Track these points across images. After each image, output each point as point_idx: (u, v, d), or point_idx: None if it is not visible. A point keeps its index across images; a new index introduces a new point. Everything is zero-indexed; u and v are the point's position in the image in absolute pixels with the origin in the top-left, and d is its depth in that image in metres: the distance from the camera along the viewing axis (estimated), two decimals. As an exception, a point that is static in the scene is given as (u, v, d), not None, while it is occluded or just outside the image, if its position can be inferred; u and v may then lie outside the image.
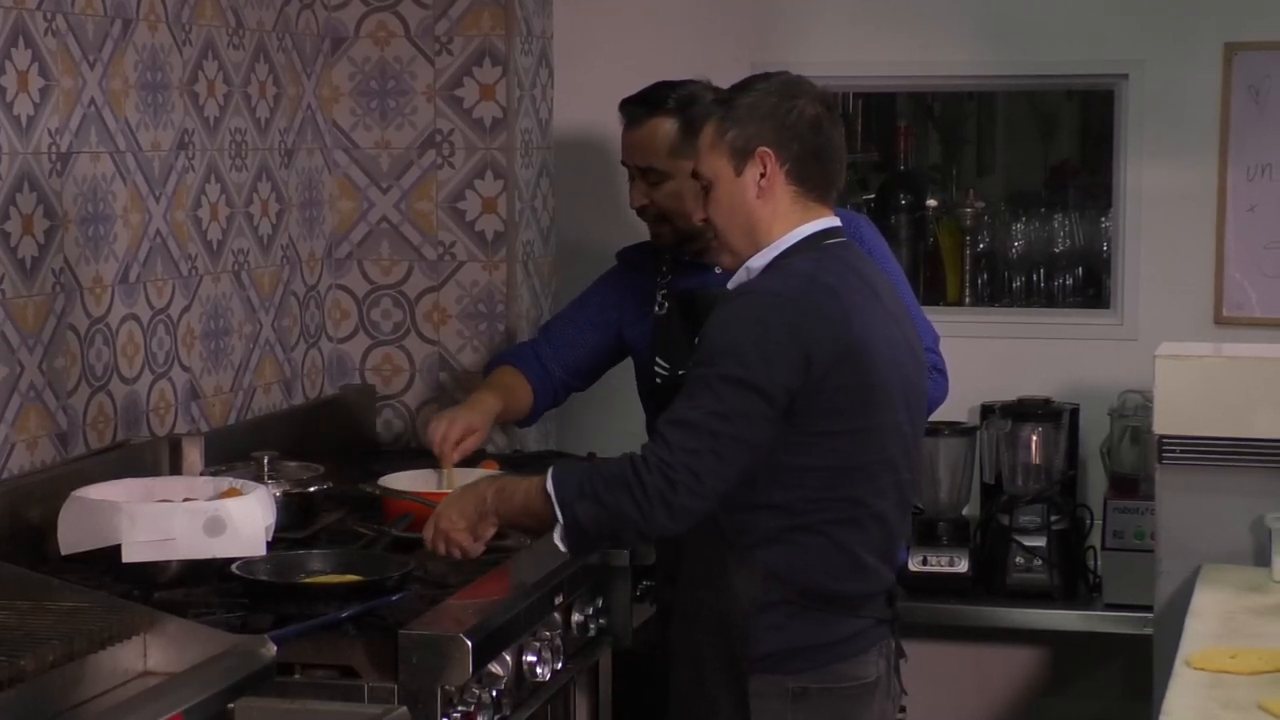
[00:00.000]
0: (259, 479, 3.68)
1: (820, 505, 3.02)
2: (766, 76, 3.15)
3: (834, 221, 3.13)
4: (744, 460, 2.97)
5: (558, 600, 3.45)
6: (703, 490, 2.95)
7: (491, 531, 3.21)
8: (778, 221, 3.08)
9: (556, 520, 3.02)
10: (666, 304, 3.89)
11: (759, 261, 3.08)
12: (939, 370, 3.80)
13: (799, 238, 3.07)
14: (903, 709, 4.21)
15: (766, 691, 3.06)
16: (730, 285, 3.14)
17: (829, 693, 3.07)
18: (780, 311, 2.98)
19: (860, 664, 3.11)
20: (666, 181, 3.78)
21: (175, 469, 3.84)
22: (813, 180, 3.09)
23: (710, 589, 3.08)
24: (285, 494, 3.70)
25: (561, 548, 3.06)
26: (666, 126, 3.79)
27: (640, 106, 3.83)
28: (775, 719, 3.06)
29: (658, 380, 3.89)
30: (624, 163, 3.90)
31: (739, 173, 3.07)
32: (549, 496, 3.02)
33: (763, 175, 3.06)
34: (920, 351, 3.24)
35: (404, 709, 2.94)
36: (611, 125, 3.94)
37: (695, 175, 3.16)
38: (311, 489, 3.79)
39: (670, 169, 3.77)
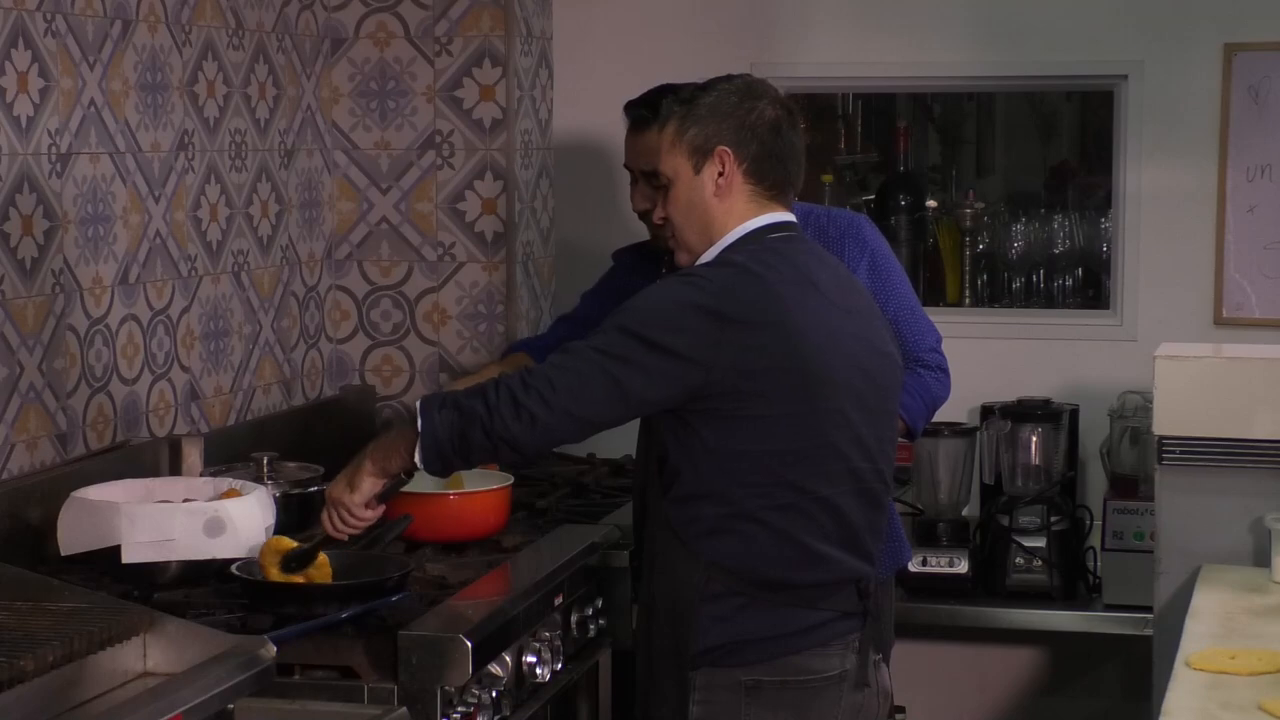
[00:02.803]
0: (258, 480, 3.69)
1: (756, 491, 3.01)
2: (729, 78, 3.18)
3: (783, 217, 3.14)
4: (608, 397, 2.98)
5: (557, 601, 3.45)
6: (553, 401, 2.97)
7: (369, 483, 3.14)
8: (732, 219, 3.11)
9: (417, 434, 3.03)
10: None
11: (707, 258, 3.11)
12: (942, 370, 3.81)
13: (743, 233, 3.10)
14: (902, 709, 4.22)
15: (717, 684, 3.04)
16: None
17: (784, 685, 3.04)
18: (698, 290, 3.01)
19: (820, 657, 3.06)
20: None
21: (175, 470, 3.84)
22: (770, 180, 3.12)
23: (661, 581, 3.09)
24: (285, 495, 3.70)
25: (419, 464, 3.06)
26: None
27: (645, 109, 3.83)
28: (728, 711, 3.04)
29: None
30: (627, 166, 3.90)
31: (697, 171, 3.10)
32: (415, 413, 3.04)
33: (721, 174, 3.09)
34: (885, 346, 3.19)
35: (404, 710, 2.95)
36: (611, 126, 3.95)
37: (655, 174, 3.18)
38: (311, 490, 3.79)
39: None
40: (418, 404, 3.05)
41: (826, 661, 3.07)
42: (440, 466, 3.08)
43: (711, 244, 3.11)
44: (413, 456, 3.05)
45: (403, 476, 3.16)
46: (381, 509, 3.20)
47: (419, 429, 3.02)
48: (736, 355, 2.96)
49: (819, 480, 3.04)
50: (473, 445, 3.01)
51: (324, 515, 3.21)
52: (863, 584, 3.12)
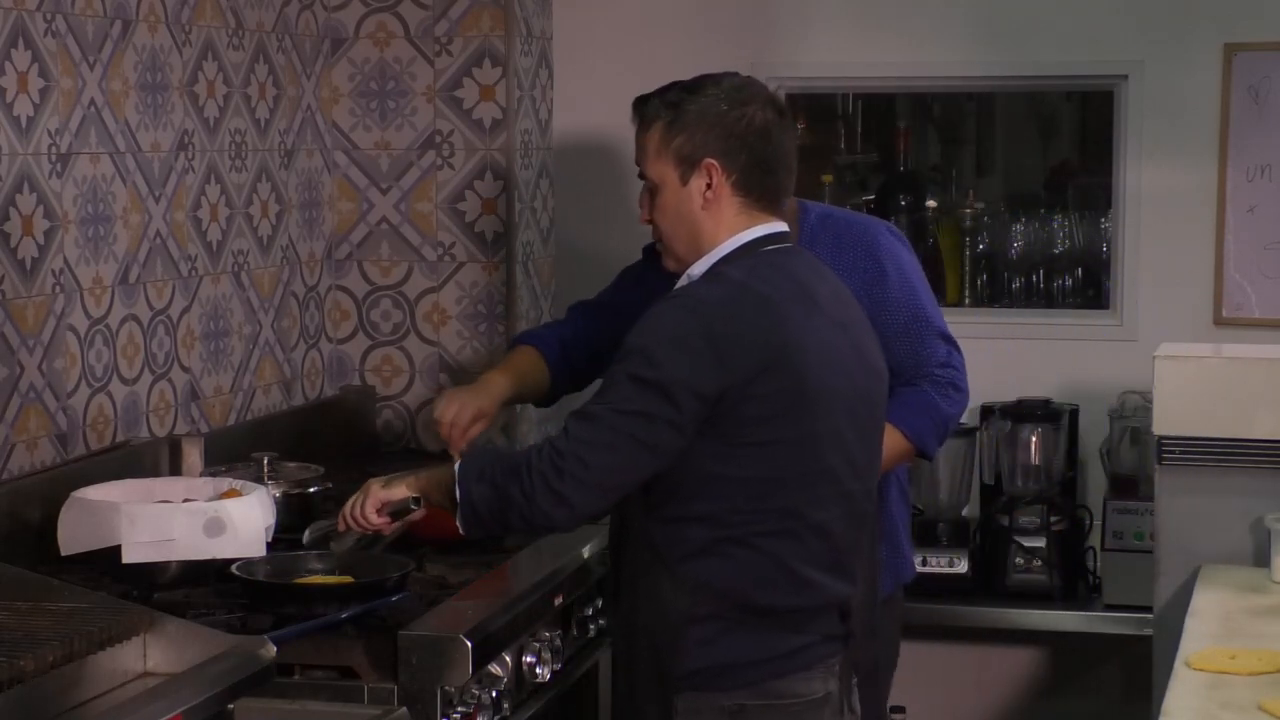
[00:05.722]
0: (258, 480, 3.69)
1: (750, 516, 2.93)
2: (717, 80, 3.07)
3: (777, 227, 3.06)
4: (640, 461, 2.91)
5: (557, 601, 3.45)
6: (589, 480, 2.90)
7: (402, 491, 3.13)
8: (721, 231, 3.02)
9: (456, 499, 3.00)
10: None
11: (699, 269, 3.03)
12: (953, 386, 3.63)
13: (736, 245, 3.01)
14: (902, 709, 4.23)
15: (700, 709, 2.97)
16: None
17: (769, 710, 2.97)
18: (701, 317, 2.91)
19: (803, 681, 3.00)
20: None
21: (175, 470, 3.84)
22: (760, 190, 3.03)
23: (643, 602, 3.00)
24: (285, 495, 3.70)
25: (460, 528, 3.03)
26: None
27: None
28: None
29: None
30: (639, 163, 3.74)
31: (684, 182, 3.02)
32: (454, 475, 3.01)
33: (708, 186, 3.00)
34: (875, 361, 3.12)
35: (404, 710, 2.95)
36: (611, 125, 3.94)
37: (641, 176, 3.09)
38: (311, 490, 3.79)
39: None
40: (456, 467, 3.01)
41: (810, 685, 3.01)
42: (480, 535, 3.08)
43: (700, 255, 3.02)
44: (449, 498, 3.02)
45: (411, 506, 3.14)
46: (387, 523, 3.18)
47: (458, 497, 2.99)
48: (745, 382, 2.89)
49: (812, 505, 2.97)
50: (512, 526, 3.01)
51: (349, 501, 3.20)
52: (845, 606, 3.06)
